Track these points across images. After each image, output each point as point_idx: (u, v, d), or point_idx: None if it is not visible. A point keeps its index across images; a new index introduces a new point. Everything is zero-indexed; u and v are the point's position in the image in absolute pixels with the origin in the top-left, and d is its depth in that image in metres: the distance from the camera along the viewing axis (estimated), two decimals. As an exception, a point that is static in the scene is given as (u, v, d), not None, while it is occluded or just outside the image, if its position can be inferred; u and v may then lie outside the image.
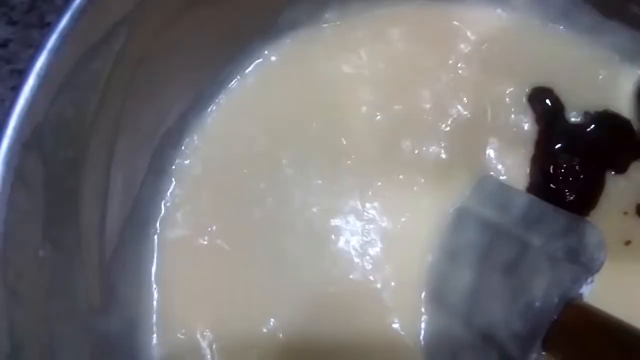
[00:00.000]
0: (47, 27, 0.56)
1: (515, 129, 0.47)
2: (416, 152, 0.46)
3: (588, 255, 0.37)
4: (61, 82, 0.31)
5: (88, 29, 0.31)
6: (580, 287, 0.37)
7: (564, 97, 0.47)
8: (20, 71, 0.55)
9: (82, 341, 0.35)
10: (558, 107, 0.47)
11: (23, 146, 0.29)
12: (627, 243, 0.43)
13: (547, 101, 0.47)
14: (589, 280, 0.37)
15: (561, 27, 0.49)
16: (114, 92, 0.36)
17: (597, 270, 0.37)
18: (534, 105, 0.47)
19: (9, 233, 0.28)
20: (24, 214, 0.30)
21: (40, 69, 0.29)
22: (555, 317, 0.35)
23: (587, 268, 0.37)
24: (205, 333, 0.40)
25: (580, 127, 0.46)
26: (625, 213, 0.44)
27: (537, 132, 0.46)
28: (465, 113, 0.47)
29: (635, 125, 0.46)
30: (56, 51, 0.30)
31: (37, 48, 0.30)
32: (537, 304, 0.36)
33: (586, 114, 0.46)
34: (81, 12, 0.31)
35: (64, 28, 0.30)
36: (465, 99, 0.47)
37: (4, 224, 0.28)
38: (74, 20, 0.30)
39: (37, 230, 0.31)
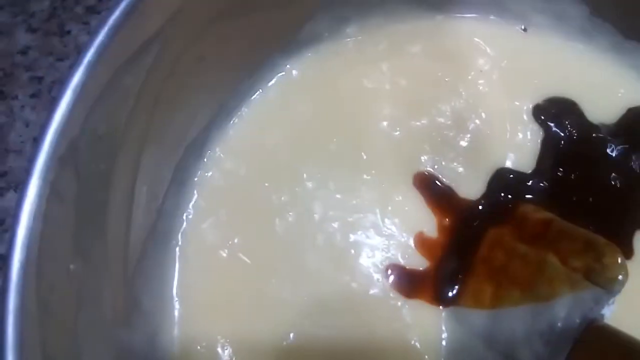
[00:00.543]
0: (67, 35, 0.57)
1: (532, 145, 0.47)
2: (435, 166, 0.46)
3: (609, 275, 0.37)
4: (96, 97, 0.31)
5: (123, 45, 0.32)
6: (602, 308, 0.37)
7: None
8: (39, 78, 0.56)
9: (106, 353, 0.35)
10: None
11: (59, 161, 0.29)
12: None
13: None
14: (610, 301, 0.37)
15: (581, 46, 0.50)
16: (143, 106, 0.36)
17: (619, 292, 0.37)
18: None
19: (44, 246, 0.29)
20: (57, 228, 0.30)
21: (76, 85, 0.30)
22: (577, 337, 0.35)
23: (608, 289, 0.37)
24: (225, 346, 0.40)
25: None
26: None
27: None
28: (483, 128, 0.47)
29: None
30: (92, 67, 0.30)
31: (73, 63, 0.30)
32: (559, 324, 0.36)
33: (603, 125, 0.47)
34: (116, 28, 0.31)
35: (100, 44, 0.31)
36: (484, 114, 0.47)
37: (39, 237, 0.28)
38: (110, 36, 0.31)
39: (69, 243, 0.31)
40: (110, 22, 0.31)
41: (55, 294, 0.30)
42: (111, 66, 0.31)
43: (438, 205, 0.45)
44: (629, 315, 0.39)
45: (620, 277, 0.37)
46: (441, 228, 0.44)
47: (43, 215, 0.28)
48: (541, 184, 0.46)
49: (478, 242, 0.42)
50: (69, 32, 0.57)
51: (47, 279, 0.29)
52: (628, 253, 0.44)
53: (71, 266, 0.31)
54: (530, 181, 0.45)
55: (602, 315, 0.37)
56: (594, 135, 0.46)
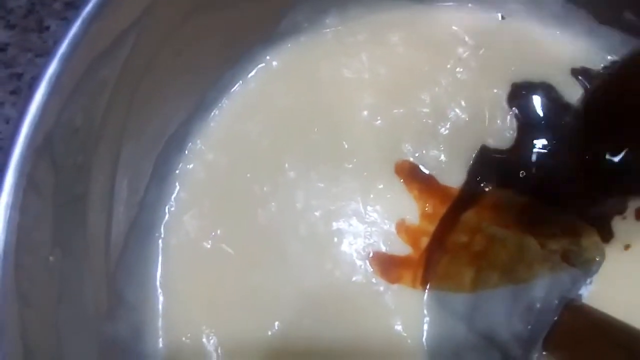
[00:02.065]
0: (46, 31, 0.57)
1: (512, 132, 0.47)
2: (416, 155, 0.46)
3: (586, 256, 0.38)
4: (71, 89, 0.31)
5: (97, 36, 0.32)
6: (579, 288, 0.37)
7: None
8: (19, 75, 0.55)
9: (89, 345, 0.35)
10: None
11: (35, 152, 0.29)
12: (627, 247, 0.43)
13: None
14: (588, 281, 0.38)
15: (557, 32, 0.50)
16: (121, 98, 0.36)
17: (596, 272, 0.38)
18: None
19: (21, 238, 0.29)
20: (35, 220, 0.30)
21: (51, 76, 0.30)
22: (556, 318, 0.36)
23: (585, 270, 0.38)
24: (210, 337, 0.41)
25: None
26: (624, 217, 0.44)
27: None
28: (463, 116, 0.47)
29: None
30: (66, 59, 0.30)
31: (49, 56, 0.30)
32: (538, 305, 0.37)
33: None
34: (91, 20, 0.31)
35: (75, 35, 0.31)
36: (463, 102, 0.48)
37: (17, 229, 0.28)
38: (84, 28, 0.31)
39: (47, 235, 0.31)
40: (84, 14, 0.31)
41: (35, 286, 0.30)
42: (86, 58, 0.31)
43: (420, 192, 0.45)
44: (608, 295, 0.40)
45: (597, 258, 0.38)
46: (423, 214, 0.44)
47: (20, 207, 0.28)
48: (521, 171, 0.46)
49: (459, 226, 0.43)
50: (47, 28, 0.57)
51: (26, 270, 0.29)
52: (607, 236, 0.44)
53: (51, 258, 0.31)
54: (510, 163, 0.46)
55: (580, 295, 0.38)
56: (569, 118, 0.47)
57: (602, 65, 0.49)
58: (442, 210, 0.45)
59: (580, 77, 0.48)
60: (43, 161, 0.30)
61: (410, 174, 0.46)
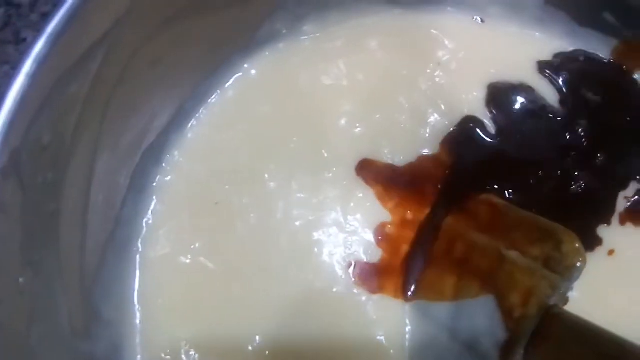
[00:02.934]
0: (23, 43, 0.56)
1: (491, 135, 0.47)
2: (396, 161, 0.46)
3: (567, 263, 0.38)
4: (38, 106, 0.30)
5: (65, 51, 0.31)
6: (561, 295, 0.37)
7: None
8: (-4, 88, 0.54)
9: (66, 365, 0.35)
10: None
11: (1, 173, 0.29)
12: (611, 253, 0.43)
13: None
14: (569, 288, 0.38)
15: (537, 34, 0.50)
16: (93, 113, 0.36)
17: (577, 278, 0.38)
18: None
19: (-13, 261, 0.28)
20: (2, 241, 0.29)
21: (17, 93, 0.29)
22: (537, 324, 0.36)
23: (566, 277, 0.37)
24: (190, 353, 0.40)
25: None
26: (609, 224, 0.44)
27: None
28: (442, 120, 0.47)
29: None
30: (32, 76, 0.30)
31: (14, 72, 0.29)
32: (518, 313, 0.36)
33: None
34: (58, 35, 0.31)
35: (40, 52, 0.30)
36: (443, 106, 0.47)
37: (-18, 252, 0.28)
38: (51, 43, 0.30)
39: (16, 256, 0.31)
40: (50, 29, 0.30)
41: (4, 307, 0.29)
42: (53, 75, 0.31)
43: (400, 199, 0.45)
44: (590, 302, 0.40)
45: (578, 264, 0.38)
46: (402, 222, 0.44)
47: (-15, 230, 0.28)
48: (501, 174, 0.46)
49: (439, 234, 0.43)
50: (24, 39, 0.56)
51: (-6, 293, 0.29)
52: (594, 244, 0.44)
53: (20, 279, 0.30)
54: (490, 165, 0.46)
55: (563, 301, 0.38)
56: (551, 118, 0.47)
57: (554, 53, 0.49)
58: (421, 216, 0.44)
59: (547, 72, 0.48)
60: (9, 181, 0.29)
61: (391, 180, 0.45)
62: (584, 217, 0.44)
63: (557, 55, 0.49)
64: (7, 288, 0.30)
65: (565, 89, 0.48)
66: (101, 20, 0.34)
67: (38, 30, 0.54)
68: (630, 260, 0.44)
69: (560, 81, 0.48)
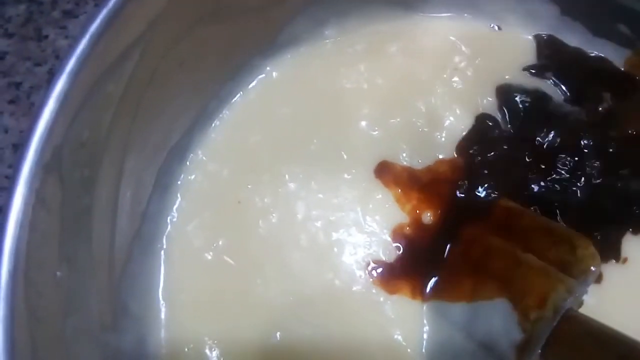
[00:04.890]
0: (44, 39, 0.57)
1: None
2: (414, 164, 0.47)
3: (582, 267, 0.39)
4: (78, 104, 0.31)
5: (104, 52, 0.32)
6: (576, 298, 0.38)
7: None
8: (17, 84, 0.55)
9: (95, 357, 0.36)
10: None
11: (43, 169, 0.29)
12: (624, 261, 0.44)
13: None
14: (584, 291, 0.39)
15: (552, 43, 0.51)
16: (125, 111, 0.36)
17: (591, 282, 0.39)
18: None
19: (31, 254, 0.29)
20: (43, 235, 0.30)
21: (59, 92, 0.30)
22: (553, 327, 0.37)
23: (581, 280, 0.38)
24: (212, 347, 0.41)
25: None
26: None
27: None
28: (458, 125, 0.48)
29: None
30: (74, 75, 0.31)
31: (56, 72, 0.30)
32: (534, 315, 0.37)
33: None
34: (98, 35, 0.31)
35: (82, 52, 0.31)
36: (458, 110, 0.48)
37: (26, 245, 0.28)
38: (92, 43, 0.31)
39: (55, 250, 0.31)
40: (92, 30, 0.31)
41: (43, 301, 0.30)
42: (93, 74, 0.32)
43: (418, 202, 0.46)
44: (605, 305, 0.41)
45: (593, 268, 0.39)
46: (418, 224, 0.45)
47: (29, 224, 0.29)
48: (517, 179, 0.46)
49: (456, 237, 0.44)
50: (46, 36, 0.57)
51: (35, 286, 0.29)
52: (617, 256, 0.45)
53: (58, 273, 0.31)
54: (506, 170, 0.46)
55: (578, 304, 0.39)
56: (567, 124, 0.47)
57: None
58: (438, 219, 0.45)
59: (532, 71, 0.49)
60: (51, 177, 0.30)
61: (409, 183, 0.46)
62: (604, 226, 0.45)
63: (571, 64, 0.50)
64: (46, 282, 0.31)
65: (580, 96, 0.49)
66: (138, 21, 0.35)
67: (60, 27, 0.56)
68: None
69: (575, 88, 0.49)
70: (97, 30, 0.31)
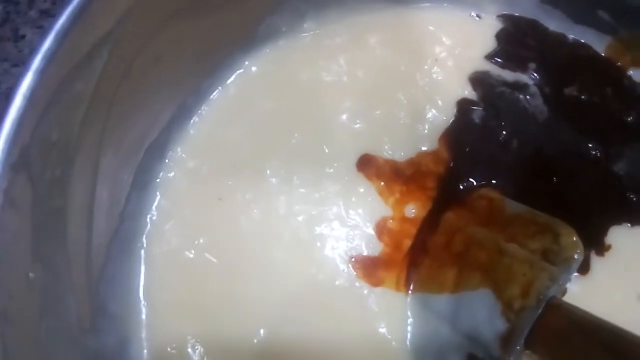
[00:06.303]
0: (21, 39, 0.56)
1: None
2: (396, 156, 0.46)
3: (565, 255, 0.39)
4: (46, 103, 0.31)
5: (71, 49, 0.31)
6: (560, 286, 0.38)
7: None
8: (-5, 85, 0.54)
9: (74, 359, 0.35)
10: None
11: (11, 168, 0.29)
12: (608, 248, 0.44)
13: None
14: (568, 279, 0.38)
15: (532, 31, 0.51)
16: (98, 110, 0.36)
17: (575, 270, 0.39)
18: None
19: (0, 255, 0.28)
20: (13, 236, 0.30)
21: (26, 90, 0.29)
22: (537, 315, 0.37)
23: (565, 268, 0.38)
24: (195, 346, 0.41)
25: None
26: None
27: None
28: (440, 115, 0.48)
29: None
30: (41, 72, 0.30)
31: (23, 70, 0.30)
32: (517, 304, 0.37)
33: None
34: (65, 32, 0.31)
35: (48, 49, 0.30)
36: (440, 102, 0.48)
37: (-5, 247, 0.28)
38: (58, 40, 0.30)
39: (27, 251, 0.31)
40: (58, 26, 0.31)
41: (15, 302, 0.30)
42: (60, 72, 0.31)
43: (401, 195, 0.46)
44: (589, 293, 0.41)
45: (576, 256, 0.39)
46: (401, 217, 0.44)
47: (-2, 224, 0.28)
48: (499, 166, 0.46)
49: (439, 228, 0.43)
50: (23, 36, 0.56)
51: (5, 287, 0.29)
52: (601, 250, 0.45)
53: (30, 274, 0.31)
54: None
55: (561, 293, 0.38)
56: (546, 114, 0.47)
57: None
58: (422, 211, 0.45)
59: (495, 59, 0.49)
60: (20, 177, 0.30)
61: (391, 175, 0.46)
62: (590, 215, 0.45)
63: (552, 52, 0.50)
64: (17, 283, 0.30)
65: (561, 85, 0.49)
66: (106, 17, 0.34)
67: (37, 27, 0.56)
68: (626, 256, 0.44)
69: (556, 77, 0.49)
70: (63, 27, 0.31)
